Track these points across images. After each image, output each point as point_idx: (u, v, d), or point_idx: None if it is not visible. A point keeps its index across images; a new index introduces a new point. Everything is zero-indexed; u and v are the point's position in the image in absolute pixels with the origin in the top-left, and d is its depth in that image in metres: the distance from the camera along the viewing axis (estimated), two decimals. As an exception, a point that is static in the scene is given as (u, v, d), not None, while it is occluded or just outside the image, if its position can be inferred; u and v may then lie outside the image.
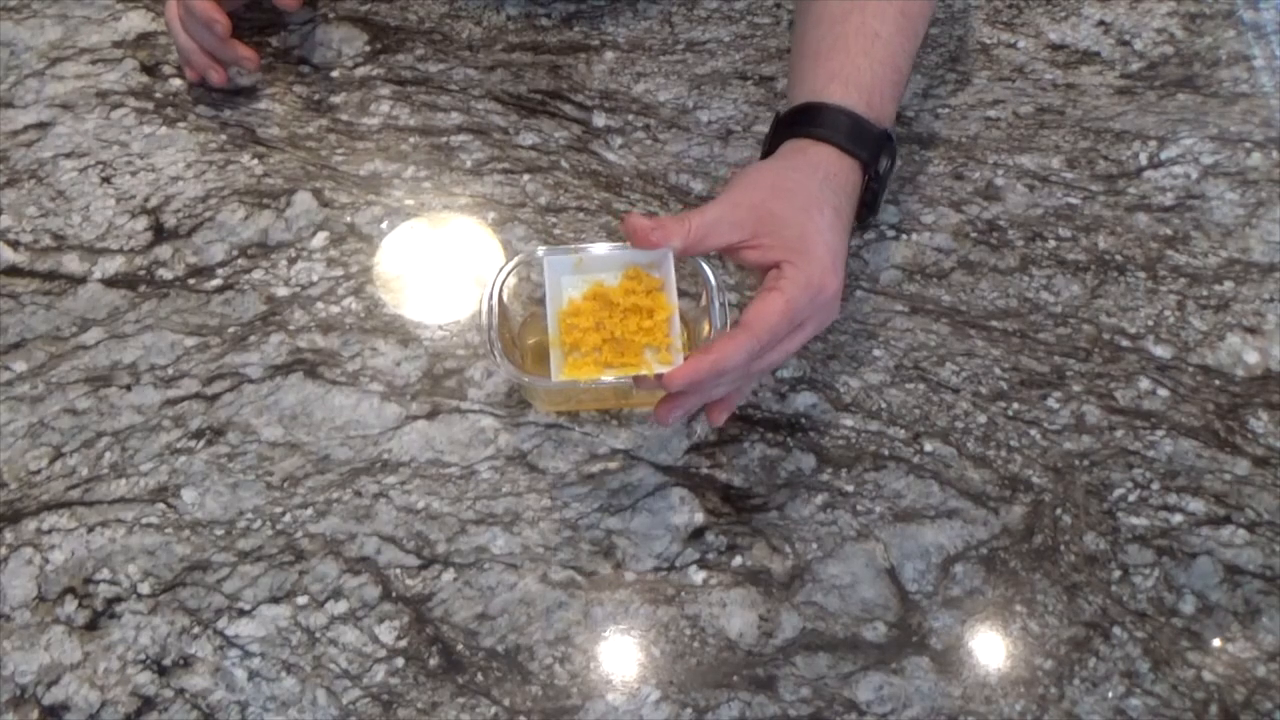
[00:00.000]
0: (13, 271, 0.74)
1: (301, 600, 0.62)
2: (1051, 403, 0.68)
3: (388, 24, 0.84)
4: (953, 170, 0.77)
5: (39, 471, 0.67)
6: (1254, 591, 0.62)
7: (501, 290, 0.65)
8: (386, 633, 0.61)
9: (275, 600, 0.62)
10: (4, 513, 0.65)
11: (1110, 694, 0.59)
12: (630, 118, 0.79)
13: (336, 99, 0.81)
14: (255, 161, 0.78)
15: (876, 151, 0.63)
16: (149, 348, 0.71)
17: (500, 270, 0.65)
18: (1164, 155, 0.77)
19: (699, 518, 0.64)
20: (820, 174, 0.61)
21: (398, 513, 0.65)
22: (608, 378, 0.58)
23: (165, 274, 0.74)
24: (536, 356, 0.69)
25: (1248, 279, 0.72)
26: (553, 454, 0.67)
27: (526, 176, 0.77)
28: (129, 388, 0.69)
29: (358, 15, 0.85)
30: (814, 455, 0.66)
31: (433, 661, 0.60)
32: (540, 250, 0.61)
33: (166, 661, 0.61)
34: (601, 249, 0.60)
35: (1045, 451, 0.66)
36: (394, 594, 0.62)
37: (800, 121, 0.63)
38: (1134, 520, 0.64)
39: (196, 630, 0.61)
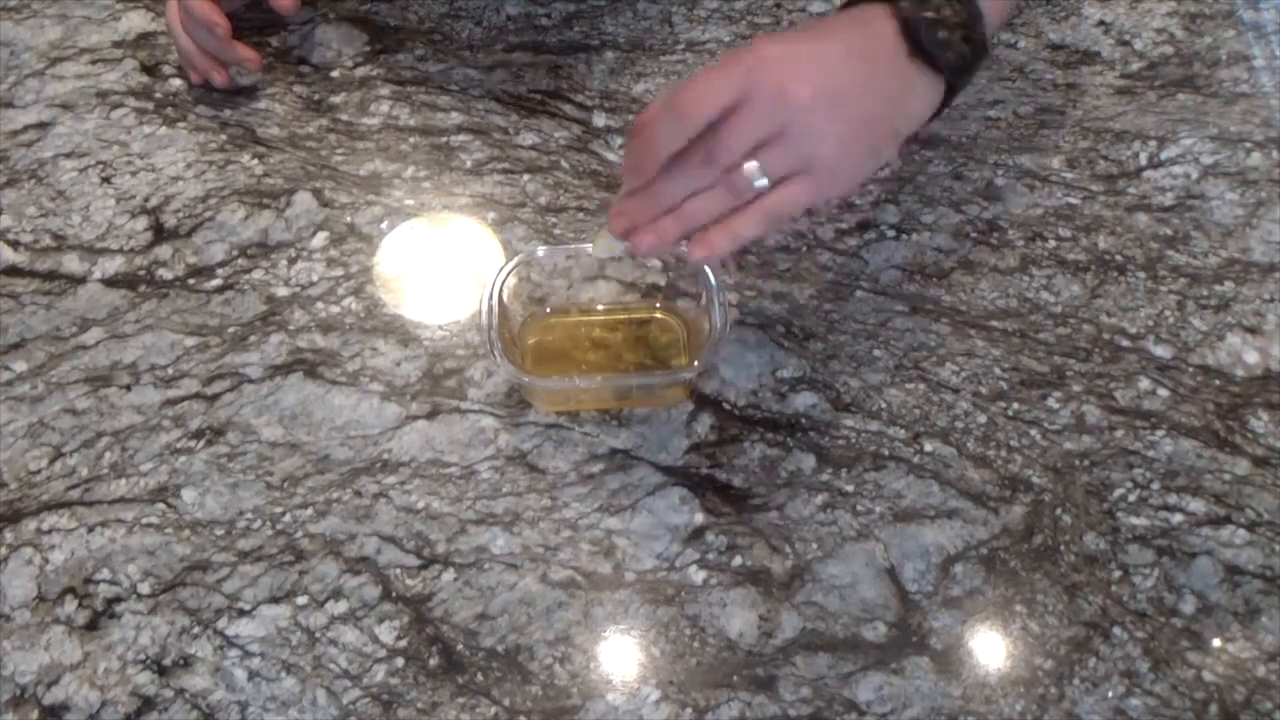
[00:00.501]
0: (13, 271, 0.74)
1: (301, 600, 0.62)
2: (1051, 403, 0.68)
3: (388, 24, 0.84)
4: (953, 170, 0.77)
5: (39, 471, 0.67)
6: (1254, 591, 0.62)
7: (501, 290, 0.65)
8: (386, 633, 0.61)
9: (275, 600, 0.62)
10: (4, 513, 0.65)
11: (1110, 694, 0.59)
12: (630, 118, 0.79)
13: (336, 99, 0.81)
14: (255, 161, 0.78)
15: None
16: (149, 348, 0.71)
17: (500, 270, 0.65)
18: (1164, 155, 0.77)
19: (699, 518, 0.64)
20: (823, 18, 0.57)
21: (398, 513, 0.65)
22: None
23: (165, 274, 0.74)
24: (537, 356, 0.69)
25: (1248, 279, 0.72)
26: (553, 454, 0.67)
27: (526, 176, 0.77)
28: (129, 388, 0.69)
29: (358, 15, 0.85)
30: (814, 455, 0.66)
31: (433, 661, 0.60)
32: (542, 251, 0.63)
33: (166, 661, 0.61)
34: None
35: (1045, 451, 0.66)
36: (394, 594, 0.62)
37: None
38: (1134, 520, 0.64)
39: (196, 630, 0.61)
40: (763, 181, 0.51)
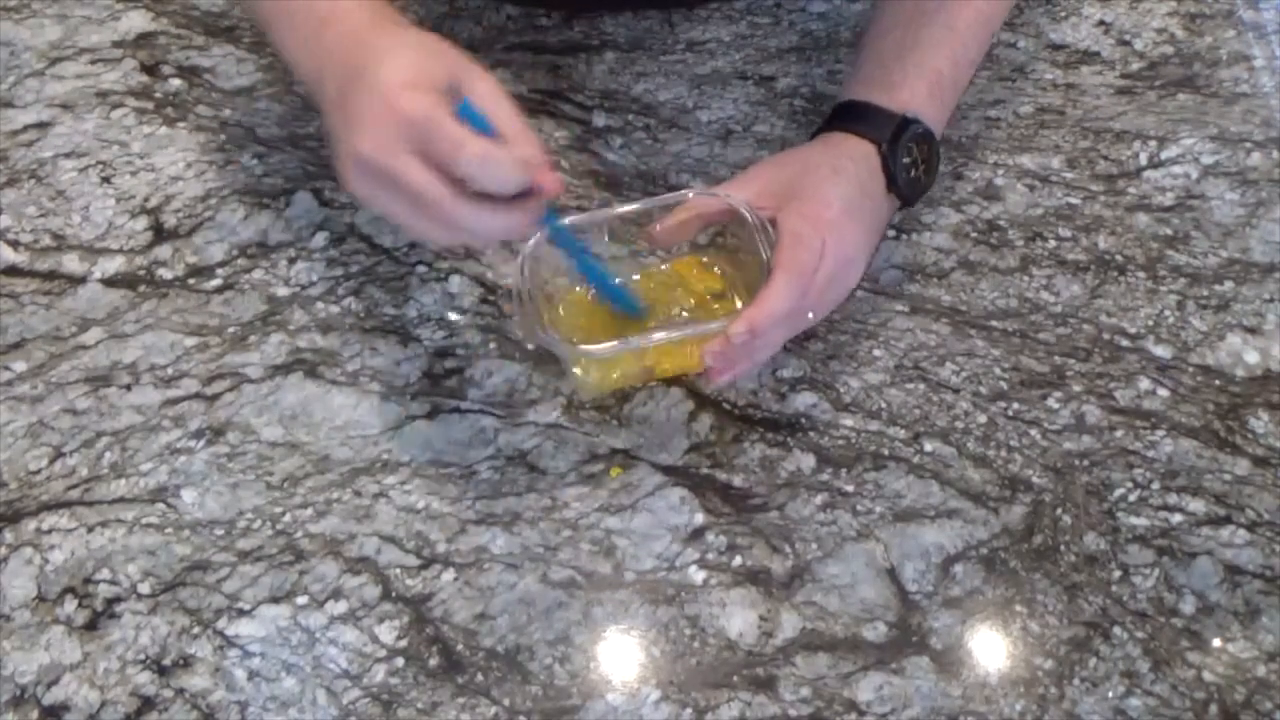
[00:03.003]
0: (12, 271, 0.74)
1: (301, 600, 0.62)
2: (1051, 403, 0.68)
3: (388, 24, 0.84)
4: (953, 170, 0.77)
5: (39, 471, 0.67)
6: (1254, 591, 0.62)
7: (527, 265, 0.62)
8: (386, 633, 0.61)
9: (275, 600, 0.62)
10: (4, 513, 0.65)
11: (1110, 694, 0.59)
12: (630, 117, 0.79)
13: (336, 99, 0.81)
14: (255, 161, 0.78)
15: (888, 129, 0.66)
16: (149, 348, 0.71)
17: (527, 245, 0.62)
18: (1164, 155, 0.77)
19: (699, 518, 0.64)
20: (823, 146, 0.67)
21: (398, 513, 0.65)
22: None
23: (165, 274, 0.74)
24: (572, 328, 0.64)
25: (1248, 279, 0.72)
26: (553, 454, 0.67)
27: (526, 176, 0.77)
28: (129, 388, 0.69)
29: (358, 15, 0.85)
30: (814, 455, 0.66)
31: (433, 661, 0.60)
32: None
33: (166, 661, 0.61)
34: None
35: (1045, 451, 0.66)
36: (394, 594, 0.62)
37: (829, 119, 0.69)
38: (1134, 520, 0.64)
39: (196, 630, 0.61)
40: (812, 317, 0.65)
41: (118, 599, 0.62)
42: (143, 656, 0.61)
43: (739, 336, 0.57)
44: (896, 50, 0.69)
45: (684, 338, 0.62)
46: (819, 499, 0.65)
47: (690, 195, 0.65)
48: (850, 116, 0.68)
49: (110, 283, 0.73)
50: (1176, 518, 0.64)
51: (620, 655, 0.61)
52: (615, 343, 0.61)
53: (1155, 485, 0.65)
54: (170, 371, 0.70)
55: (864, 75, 0.69)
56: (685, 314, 0.65)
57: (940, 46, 0.69)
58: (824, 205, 0.62)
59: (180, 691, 0.60)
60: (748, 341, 0.58)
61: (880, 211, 0.67)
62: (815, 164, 0.65)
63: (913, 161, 0.67)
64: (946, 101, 0.70)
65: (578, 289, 0.66)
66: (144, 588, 0.63)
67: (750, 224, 0.62)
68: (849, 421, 0.68)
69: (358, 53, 0.56)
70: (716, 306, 0.66)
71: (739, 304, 0.65)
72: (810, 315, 0.63)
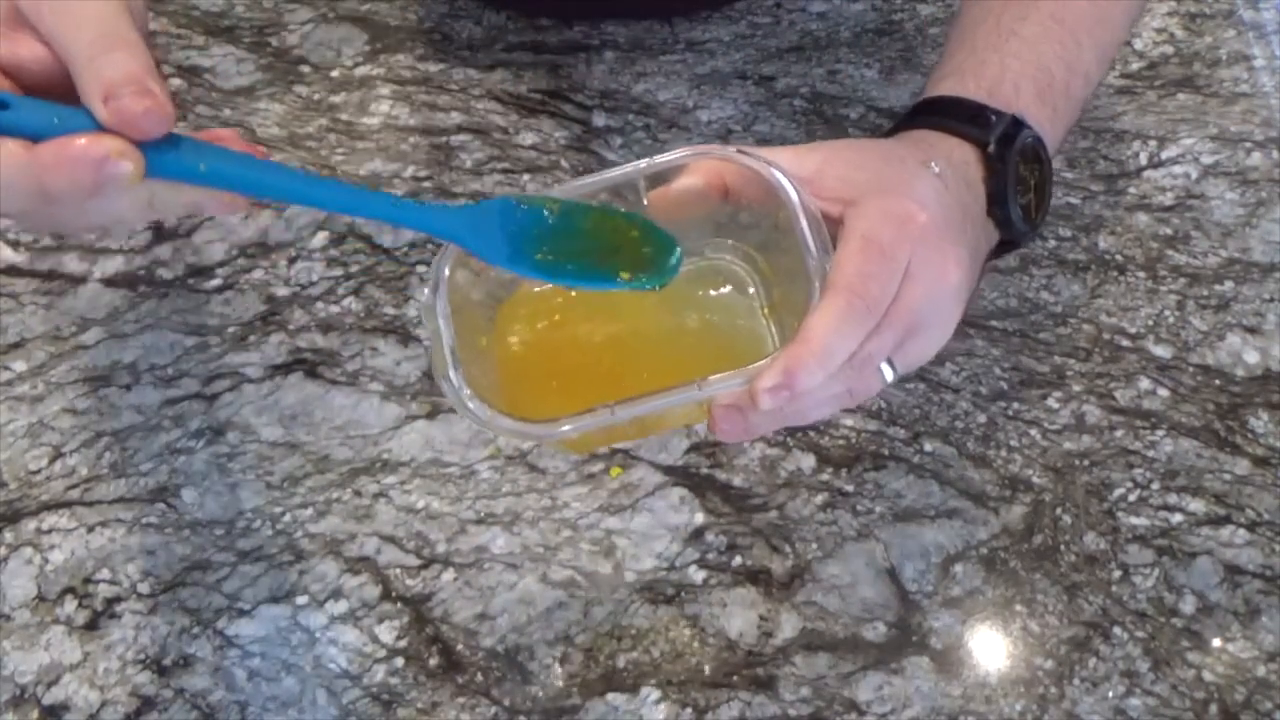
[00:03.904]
0: (12, 271, 0.74)
1: (301, 600, 0.62)
2: (1051, 403, 0.68)
3: (388, 24, 0.84)
4: (953, 170, 0.77)
5: (39, 471, 0.67)
6: (1254, 591, 0.62)
7: (442, 286, 0.43)
8: (386, 633, 0.61)
9: (275, 600, 0.62)
10: (4, 513, 0.65)
11: (1110, 694, 0.59)
12: (630, 117, 0.79)
13: (336, 99, 0.81)
14: (255, 161, 0.78)
15: (994, 130, 0.50)
16: (149, 347, 0.71)
17: (439, 262, 0.43)
18: (1164, 155, 0.77)
19: (699, 518, 0.64)
20: (912, 143, 0.50)
21: (398, 512, 0.65)
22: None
23: (165, 274, 0.74)
24: (527, 373, 0.47)
25: (1248, 279, 0.72)
26: (553, 454, 0.67)
27: (526, 176, 0.77)
28: (129, 387, 0.69)
29: (358, 15, 0.85)
30: (814, 455, 0.66)
31: (433, 661, 0.61)
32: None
33: (166, 661, 0.61)
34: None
35: (1045, 451, 0.66)
36: (394, 594, 0.62)
37: (905, 118, 0.54)
38: (1134, 520, 0.64)
39: (196, 630, 0.61)
40: (892, 376, 0.45)
41: (118, 599, 0.62)
42: (143, 656, 0.61)
43: (770, 397, 0.40)
44: (992, 41, 0.54)
45: (681, 406, 0.42)
46: (819, 499, 0.65)
47: (692, 154, 0.45)
48: (939, 111, 0.52)
49: (110, 282, 0.73)
50: (1176, 518, 0.64)
51: (620, 655, 0.61)
52: (565, 424, 0.41)
53: (1155, 485, 0.65)
54: (170, 371, 0.70)
55: (953, 66, 0.54)
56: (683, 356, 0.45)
57: (1047, 42, 0.54)
58: (915, 205, 0.44)
59: (180, 691, 0.60)
60: (784, 404, 0.40)
61: (980, 242, 0.50)
62: (900, 155, 0.48)
63: (1021, 183, 0.51)
64: (1060, 113, 0.55)
65: (525, 302, 0.47)
66: (144, 588, 0.63)
67: (794, 208, 0.42)
68: (849, 421, 0.68)
69: None
70: (727, 344, 0.46)
71: (770, 336, 0.46)
72: (886, 370, 0.44)
